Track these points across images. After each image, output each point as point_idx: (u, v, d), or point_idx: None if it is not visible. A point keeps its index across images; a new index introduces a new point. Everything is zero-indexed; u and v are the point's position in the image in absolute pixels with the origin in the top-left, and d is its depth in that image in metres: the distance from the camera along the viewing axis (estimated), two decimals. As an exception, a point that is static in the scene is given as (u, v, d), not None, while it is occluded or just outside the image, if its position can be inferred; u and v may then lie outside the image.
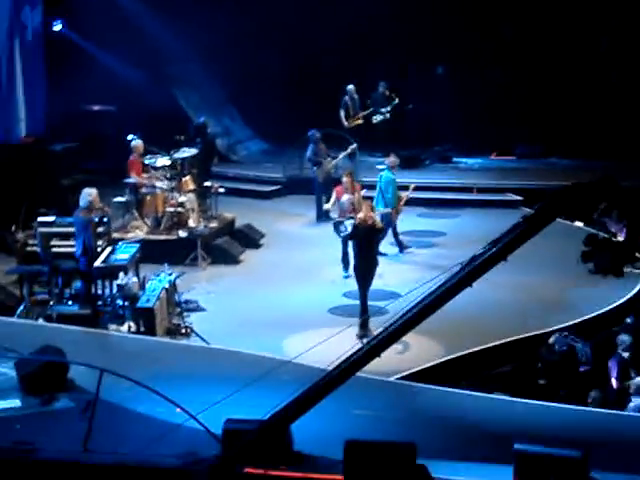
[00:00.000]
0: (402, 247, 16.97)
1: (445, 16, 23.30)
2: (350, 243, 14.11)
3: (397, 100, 23.16)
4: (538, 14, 23.46)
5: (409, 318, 5.58)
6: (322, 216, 18.42)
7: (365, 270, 13.34)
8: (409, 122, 24.09)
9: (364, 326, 12.63)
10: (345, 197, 15.33)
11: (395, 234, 16.92)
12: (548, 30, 23.44)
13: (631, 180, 17.75)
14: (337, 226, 15.14)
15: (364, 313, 13.00)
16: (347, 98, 22.31)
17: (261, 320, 13.54)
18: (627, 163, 20.41)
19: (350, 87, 22.37)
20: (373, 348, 5.50)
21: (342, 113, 22.17)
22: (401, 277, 14.69)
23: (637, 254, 14.86)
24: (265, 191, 21.33)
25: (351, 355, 5.46)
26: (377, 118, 23.06)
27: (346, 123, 22.11)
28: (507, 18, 24.17)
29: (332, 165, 19.23)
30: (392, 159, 17.18)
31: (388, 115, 23.14)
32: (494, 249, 5.20)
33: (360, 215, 13.44)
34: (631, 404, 10.31)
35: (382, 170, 17.21)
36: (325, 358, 6.78)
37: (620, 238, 15.27)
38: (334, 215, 16.30)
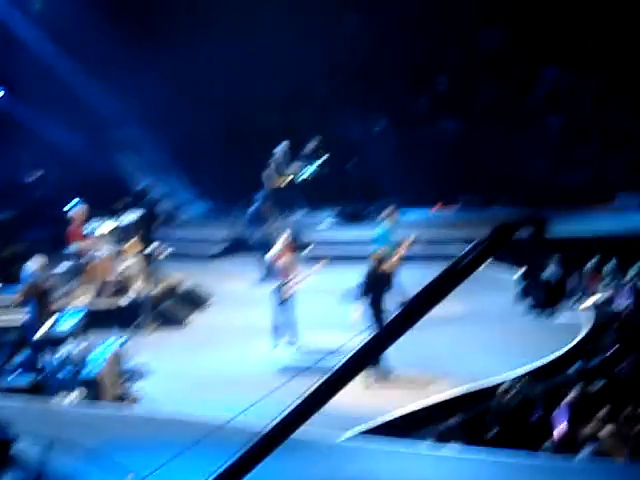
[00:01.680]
0: None
1: (382, 70, 23.62)
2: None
3: (325, 156, 23.13)
4: (473, 66, 23.93)
5: (350, 363, 5.46)
6: (266, 276, 18.53)
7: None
8: (351, 177, 24.24)
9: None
10: (280, 261, 15.20)
11: None
12: (483, 80, 23.88)
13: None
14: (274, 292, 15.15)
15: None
16: (278, 156, 22.24)
17: (210, 383, 13.43)
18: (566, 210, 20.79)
19: (282, 145, 22.33)
20: (309, 404, 5.40)
21: (268, 171, 22.01)
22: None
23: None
24: (211, 252, 21.28)
25: (288, 412, 5.36)
26: (303, 175, 23.01)
27: (271, 182, 21.99)
28: (443, 71, 24.59)
29: (274, 226, 19.23)
30: (388, 211, 17.25)
31: (314, 169, 23.12)
32: (429, 290, 5.19)
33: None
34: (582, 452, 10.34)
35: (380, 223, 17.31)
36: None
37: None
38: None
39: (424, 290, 5.14)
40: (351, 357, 5.31)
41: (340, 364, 5.29)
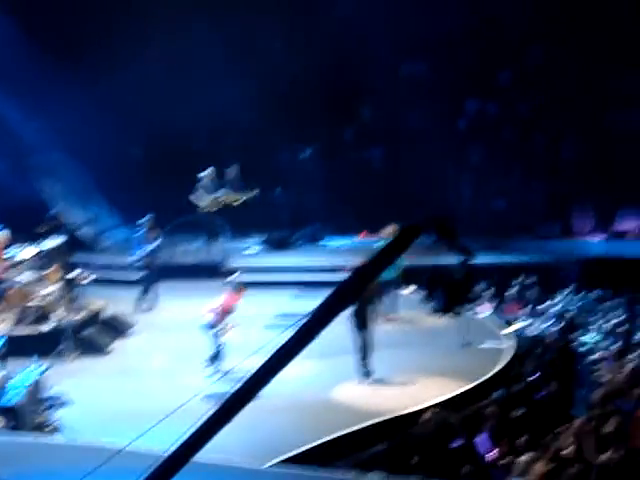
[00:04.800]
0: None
1: (307, 99, 23.77)
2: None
3: (251, 183, 22.93)
4: (397, 94, 24.21)
5: (256, 376, 5.42)
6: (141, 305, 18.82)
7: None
8: (277, 204, 24.29)
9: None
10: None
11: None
12: (406, 108, 24.18)
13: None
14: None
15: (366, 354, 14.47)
16: (204, 182, 22.10)
17: (131, 412, 13.25)
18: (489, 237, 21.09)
19: (208, 171, 22.18)
20: (207, 428, 5.38)
21: (195, 197, 21.94)
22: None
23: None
24: (133, 279, 21.03)
25: (188, 436, 5.34)
26: (229, 201, 22.79)
27: (202, 204, 21.96)
28: (367, 99, 24.87)
29: (159, 250, 19.19)
30: (390, 229, 17.22)
31: (239, 202, 22.95)
32: (337, 296, 5.19)
33: None
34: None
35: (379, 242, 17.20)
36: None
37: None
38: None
39: (332, 296, 5.15)
40: (249, 379, 5.30)
41: (236, 387, 5.30)
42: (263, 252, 22.83)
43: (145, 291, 19.04)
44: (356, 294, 5.27)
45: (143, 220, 19.13)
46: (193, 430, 5.23)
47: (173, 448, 5.29)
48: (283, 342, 5.26)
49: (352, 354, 14.85)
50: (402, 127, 24.43)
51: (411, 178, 23.50)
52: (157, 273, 19.17)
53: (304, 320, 5.24)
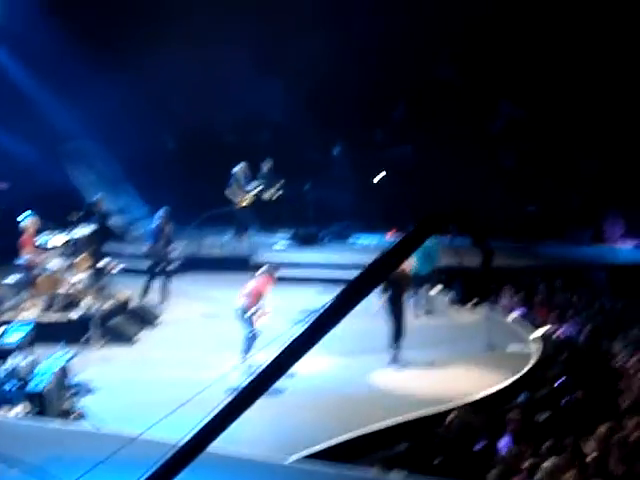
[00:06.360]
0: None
1: (340, 98, 23.76)
2: None
3: (282, 181, 23.06)
4: (428, 94, 24.15)
5: (272, 366, 5.43)
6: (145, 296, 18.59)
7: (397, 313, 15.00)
8: (306, 200, 24.30)
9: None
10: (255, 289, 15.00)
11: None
12: (438, 110, 24.09)
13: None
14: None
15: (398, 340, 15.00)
16: (237, 176, 22.20)
17: (155, 402, 13.28)
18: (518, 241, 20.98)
19: (240, 166, 22.28)
20: (223, 417, 5.38)
21: (230, 192, 22.15)
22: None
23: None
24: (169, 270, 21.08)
25: (204, 425, 5.35)
26: (265, 195, 22.94)
27: (236, 199, 22.11)
28: (399, 98, 24.81)
29: (171, 244, 19.09)
30: None
31: (274, 196, 23.06)
32: (360, 281, 5.19)
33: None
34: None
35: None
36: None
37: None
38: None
39: (356, 280, 5.15)
40: (265, 369, 5.31)
41: (252, 377, 5.31)
42: (290, 247, 22.86)
43: (148, 282, 18.73)
44: (375, 284, 5.30)
45: (159, 213, 19.15)
46: (208, 420, 5.26)
47: (188, 437, 5.32)
48: (299, 332, 5.26)
49: (377, 352, 14.91)
50: (433, 128, 24.34)
51: (441, 179, 23.45)
52: (165, 267, 19.02)
53: (322, 309, 5.24)
